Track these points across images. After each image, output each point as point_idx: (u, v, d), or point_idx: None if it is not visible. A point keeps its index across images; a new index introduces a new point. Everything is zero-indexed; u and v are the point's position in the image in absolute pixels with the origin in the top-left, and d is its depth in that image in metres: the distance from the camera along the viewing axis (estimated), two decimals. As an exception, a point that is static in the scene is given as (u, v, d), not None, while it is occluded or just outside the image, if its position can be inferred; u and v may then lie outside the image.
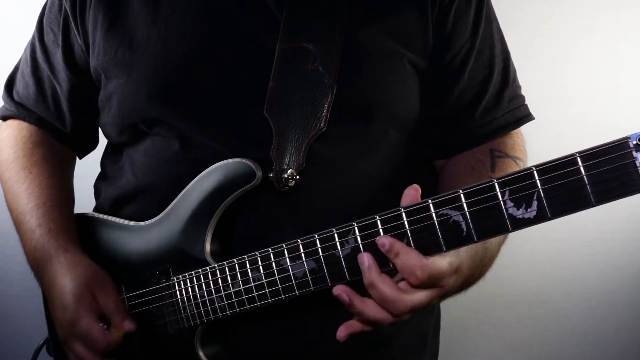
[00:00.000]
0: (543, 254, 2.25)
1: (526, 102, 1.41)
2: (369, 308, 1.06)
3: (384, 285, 1.04)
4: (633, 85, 2.19)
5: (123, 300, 1.33)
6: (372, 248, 1.05)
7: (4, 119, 1.58)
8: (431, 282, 1.04)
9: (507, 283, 2.28)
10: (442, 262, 1.04)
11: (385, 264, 1.05)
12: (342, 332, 1.09)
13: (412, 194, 1.06)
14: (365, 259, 1.05)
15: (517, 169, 1.32)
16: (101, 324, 1.27)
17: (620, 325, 2.28)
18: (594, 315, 2.29)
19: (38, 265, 1.36)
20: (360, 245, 1.07)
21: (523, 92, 1.42)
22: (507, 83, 1.37)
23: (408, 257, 1.02)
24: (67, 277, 1.30)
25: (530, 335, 2.32)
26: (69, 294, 1.28)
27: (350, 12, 1.28)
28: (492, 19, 1.38)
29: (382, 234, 1.05)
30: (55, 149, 1.53)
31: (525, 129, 1.42)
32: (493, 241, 1.19)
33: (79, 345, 1.28)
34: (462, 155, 1.38)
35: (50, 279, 1.32)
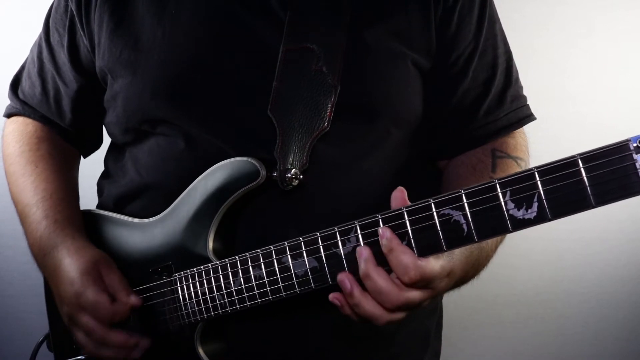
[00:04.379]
0: (543, 254, 2.25)
1: (528, 103, 1.42)
2: (367, 302, 1.06)
3: (379, 277, 1.05)
4: (633, 85, 2.19)
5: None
6: (374, 246, 1.06)
7: (9, 116, 1.60)
8: (423, 283, 1.05)
9: (507, 283, 2.28)
10: (436, 264, 1.05)
11: (385, 262, 1.05)
12: (333, 295, 1.10)
13: (399, 196, 1.07)
14: (364, 252, 1.06)
15: (518, 169, 1.33)
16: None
17: (620, 325, 2.29)
18: (594, 315, 2.29)
19: (43, 254, 1.37)
20: (362, 244, 1.07)
21: (523, 91, 1.43)
22: (510, 83, 1.38)
23: (403, 256, 1.03)
24: (73, 257, 1.32)
25: (530, 335, 2.33)
26: (76, 270, 1.30)
27: (354, 12, 1.29)
28: (495, 20, 1.39)
29: None
30: (60, 145, 1.55)
31: (525, 129, 1.42)
32: (489, 240, 1.19)
33: (85, 317, 1.28)
34: (464, 155, 1.38)
35: (56, 262, 1.34)
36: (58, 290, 1.34)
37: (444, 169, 1.41)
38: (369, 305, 1.07)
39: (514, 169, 1.34)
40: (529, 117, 1.41)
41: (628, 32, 2.19)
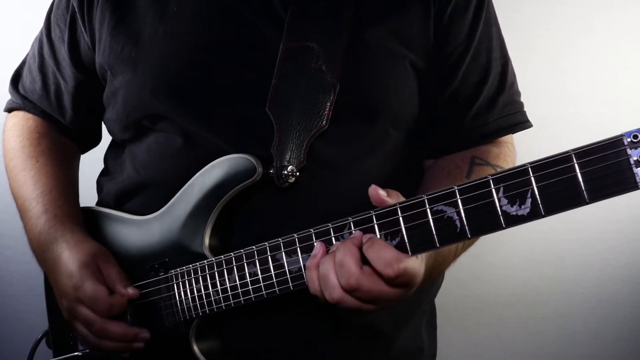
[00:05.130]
0: (543, 254, 2.25)
1: (525, 109, 1.40)
2: (329, 267, 1.04)
3: (347, 252, 1.02)
4: (632, 85, 2.18)
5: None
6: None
7: (10, 110, 1.61)
8: (405, 278, 1.02)
9: (507, 283, 2.27)
10: (416, 263, 1.03)
11: None
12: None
13: (374, 194, 1.07)
14: (354, 232, 1.06)
15: None
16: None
17: (620, 325, 2.28)
18: (594, 315, 2.28)
19: (42, 249, 1.38)
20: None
21: (522, 91, 1.41)
22: (504, 88, 1.37)
23: (384, 250, 1.01)
24: (73, 250, 1.33)
25: (530, 335, 2.32)
26: (75, 263, 1.31)
27: (355, 12, 1.29)
28: (492, 23, 1.37)
29: (377, 229, 1.05)
30: (60, 141, 1.56)
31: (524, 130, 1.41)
32: (451, 252, 1.22)
33: (84, 309, 1.30)
34: (444, 159, 1.38)
35: (55, 256, 1.35)
36: (57, 284, 1.35)
37: (427, 170, 1.41)
38: (329, 271, 1.04)
39: None
40: (522, 124, 1.39)
41: (628, 32, 2.18)
